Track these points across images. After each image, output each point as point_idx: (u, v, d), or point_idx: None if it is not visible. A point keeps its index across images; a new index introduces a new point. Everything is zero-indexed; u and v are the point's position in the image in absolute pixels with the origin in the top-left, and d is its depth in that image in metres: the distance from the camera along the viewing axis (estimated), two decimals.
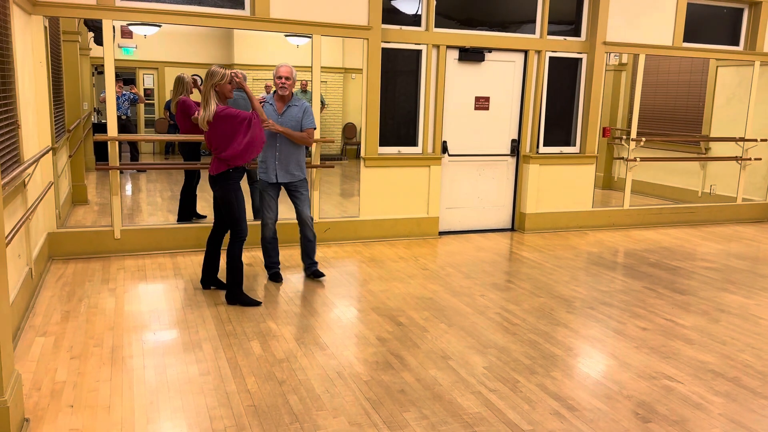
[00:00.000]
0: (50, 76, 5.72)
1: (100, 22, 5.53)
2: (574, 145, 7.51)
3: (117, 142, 5.73)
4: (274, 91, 5.07)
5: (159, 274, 5.34)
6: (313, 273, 5.34)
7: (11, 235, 3.42)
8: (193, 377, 3.47)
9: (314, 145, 6.45)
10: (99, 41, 10.12)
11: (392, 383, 3.47)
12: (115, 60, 5.62)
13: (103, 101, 10.96)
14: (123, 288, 4.95)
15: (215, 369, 3.57)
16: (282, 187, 5.22)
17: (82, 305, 4.52)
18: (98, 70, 13.11)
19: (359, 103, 6.57)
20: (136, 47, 13.39)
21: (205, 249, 4.96)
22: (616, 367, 3.79)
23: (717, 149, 8.69)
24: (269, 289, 5.02)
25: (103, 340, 3.92)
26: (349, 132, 14.38)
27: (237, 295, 4.62)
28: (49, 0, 5.26)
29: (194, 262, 5.69)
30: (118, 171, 5.76)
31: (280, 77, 4.95)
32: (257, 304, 4.64)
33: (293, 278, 5.37)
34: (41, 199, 4.76)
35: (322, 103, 13.35)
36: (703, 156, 8.90)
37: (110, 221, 5.87)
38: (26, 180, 4.44)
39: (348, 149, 14.08)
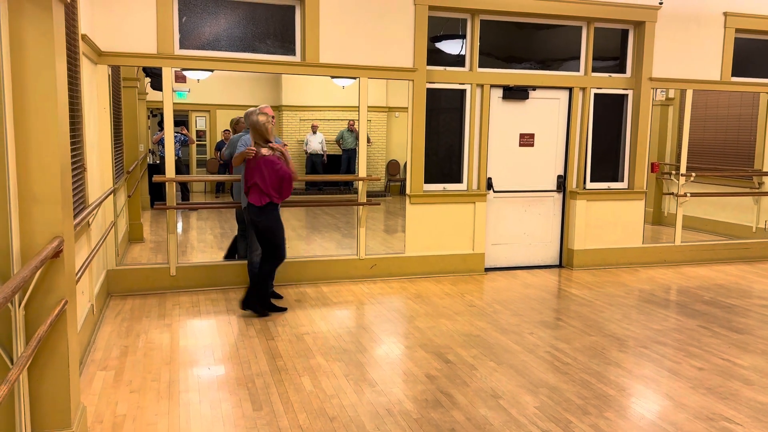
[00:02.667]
0: (112, 121, 6.06)
1: (157, 69, 5.86)
2: (622, 181, 7.44)
3: (174, 183, 5.99)
4: (247, 130, 5.60)
5: (212, 309, 5.49)
6: (272, 294, 5.79)
7: (80, 272, 3.61)
8: (246, 412, 3.54)
9: (362, 183, 6.60)
10: (155, 86, 10.68)
11: (442, 422, 3.47)
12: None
13: (156, 142, 11.49)
14: (178, 323, 5.11)
15: (268, 404, 3.64)
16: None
17: (139, 340, 4.68)
18: (153, 113, 13.75)
19: (402, 141, 6.73)
20: (189, 91, 14.00)
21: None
22: (672, 408, 3.70)
23: None
24: (318, 325, 5.10)
25: (160, 375, 4.04)
26: (393, 169, 14.58)
27: (253, 304, 5.31)
28: (114, 51, 5.61)
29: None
30: (175, 210, 6.00)
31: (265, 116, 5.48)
32: (266, 314, 5.31)
33: (340, 314, 5.45)
34: (105, 238, 5.00)
35: (368, 140, 13.63)
36: (757, 191, 8.66)
37: (166, 258, 6.09)
38: (90, 220, 4.68)
39: (391, 186, 14.26)
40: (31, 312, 2.65)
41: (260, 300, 5.33)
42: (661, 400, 3.82)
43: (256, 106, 5.50)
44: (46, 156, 2.62)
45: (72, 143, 4.15)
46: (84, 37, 4.66)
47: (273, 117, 5.39)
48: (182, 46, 5.88)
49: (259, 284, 5.30)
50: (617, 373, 4.22)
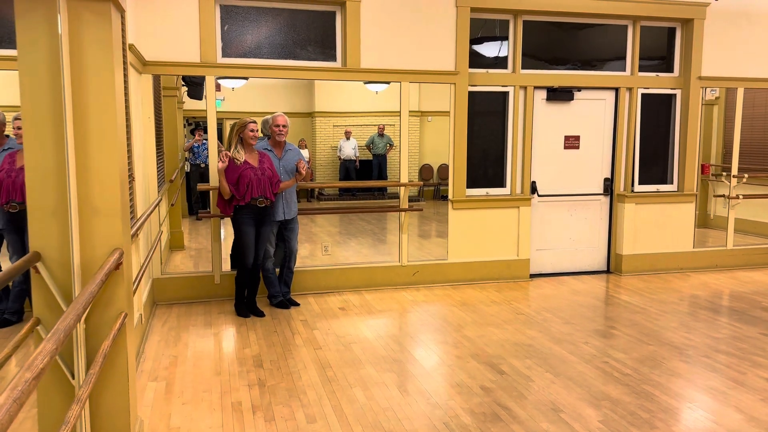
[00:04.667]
0: (156, 131, 6.08)
1: (195, 77, 5.86)
2: (671, 183, 7.22)
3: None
4: (268, 137, 5.63)
5: (258, 318, 5.44)
6: (289, 300, 5.80)
7: (136, 284, 3.59)
8: (301, 425, 3.47)
9: (403, 188, 6.52)
10: (192, 95, 10.75)
11: None
12: (202, 110, 5.95)
13: (187, 149, 11.54)
14: (224, 332, 5.08)
15: (321, 416, 3.57)
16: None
17: (188, 350, 4.66)
18: (188, 121, 13.87)
19: (435, 145, 6.64)
20: (223, 99, 14.10)
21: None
22: (743, 421, 3.52)
23: None
24: (364, 334, 5.01)
25: (211, 386, 4.00)
26: (426, 174, 14.46)
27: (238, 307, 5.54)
28: (158, 60, 5.62)
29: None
30: (219, 218, 5.99)
31: (277, 125, 5.50)
32: (247, 316, 5.44)
33: (386, 322, 5.36)
34: (155, 249, 5.00)
35: (390, 145, 13.55)
36: None
37: (206, 266, 6.08)
38: (138, 231, 4.68)
39: (425, 191, 14.15)
40: (92, 326, 2.62)
41: (237, 302, 5.53)
42: (731, 414, 3.63)
43: (272, 113, 5.66)
44: (106, 167, 2.59)
45: None
46: (131, 47, 4.67)
47: (284, 126, 5.50)
48: (224, 55, 5.88)
49: (235, 287, 5.53)
50: (681, 384, 4.04)
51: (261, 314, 5.48)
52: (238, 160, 5.18)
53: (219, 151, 5.57)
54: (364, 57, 6.11)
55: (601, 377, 4.15)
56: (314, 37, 6.14)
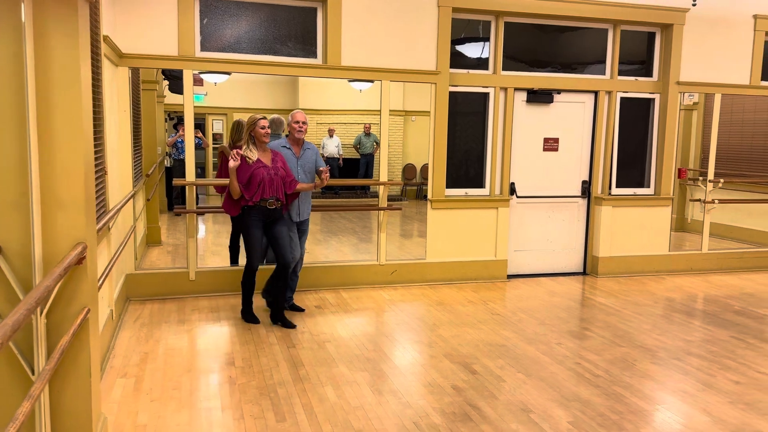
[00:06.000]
0: (132, 124, 6.01)
1: (176, 71, 5.79)
2: (648, 187, 7.28)
3: (194, 186, 5.92)
4: (286, 135, 5.36)
5: (232, 315, 5.40)
6: (292, 306, 5.57)
7: (102, 278, 3.53)
8: (270, 423, 3.44)
9: (383, 187, 6.50)
10: (173, 89, 10.64)
11: None
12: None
13: (170, 145, 11.44)
14: (198, 329, 5.02)
15: (291, 415, 3.54)
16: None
17: (159, 347, 4.60)
18: (170, 116, 13.73)
19: (419, 145, 6.64)
20: (206, 94, 13.98)
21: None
22: (710, 424, 3.55)
23: None
24: (339, 333, 4.99)
25: (180, 383, 3.96)
26: (409, 173, 14.46)
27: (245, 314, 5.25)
28: (135, 53, 5.55)
29: (264, 303, 5.74)
30: (195, 214, 5.93)
31: (297, 122, 5.19)
32: (257, 322, 5.17)
33: (361, 321, 5.34)
34: (126, 243, 4.93)
35: (377, 143, 13.53)
36: None
37: (183, 262, 6.02)
38: (111, 225, 4.62)
39: (408, 190, 14.14)
40: (53, 320, 2.57)
41: (244, 308, 5.26)
42: (699, 416, 3.67)
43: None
44: (71, 160, 2.54)
45: (95, 146, 4.09)
46: (105, 38, 4.60)
47: (303, 123, 5.19)
48: (203, 49, 5.82)
49: (242, 292, 5.28)
50: (651, 386, 4.07)
51: (258, 321, 5.20)
52: (249, 158, 4.87)
53: (227, 149, 5.34)
54: (345, 54, 6.08)
55: (573, 378, 4.17)
56: (295, 33, 6.10)
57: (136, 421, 3.44)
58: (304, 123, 5.21)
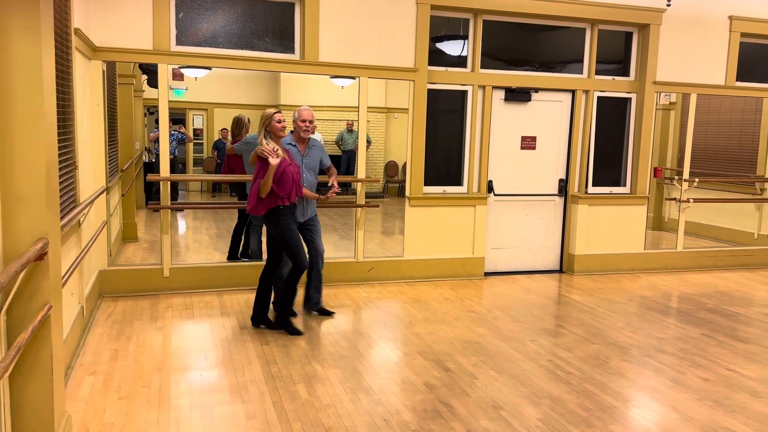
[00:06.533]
0: (106, 118, 5.93)
1: (154, 65, 5.73)
2: (625, 185, 7.34)
3: (169, 183, 5.86)
4: (291, 131, 5.16)
5: (206, 312, 5.36)
6: (321, 310, 5.35)
7: (68, 274, 3.48)
8: (239, 421, 3.42)
9: (360, 184, 6.49)
10: (152, 83, 10.53)
11: None
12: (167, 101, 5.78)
13: (153, 140, 11.33)
14: (171, 327, 4.97)
15: (261, 413, 3.52)
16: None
17: (130, 344, 4.55)
18: (149, 110, 13.59)
19: (401, 142, 6.61)
20: (186, 89, 13.85)
21: (256, 287, 5.05)
22: (679, 421, 3.59)
23: None
24: (315, 330, 4.97)
25: (150, 381, 3.91)
26: (391, 170, 14.44)
27: (284, 321, 4.89)
28: (109, 46, 5.48)
29: (240, 300, 5.71)
30: (169, 210, 5.86)
31: (304, 120, 5.02)
32: (300, 333, 4.83)
33: (337, 319, 5.31)
34: (95, 239, 4.86)
35: (369, 141, 13.52)
36: (759, 197, 8.57)
37: (159, 259, 5.96)
38: (81, 220, 4.55)
39: (390, 187, 14.13)
40: (14, 317, 2.52)
41: (282, 313, 4.94)
42: (667, 413, 3.70)
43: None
44: (31, 154, 2.49)
45: (63, 140, 4.03)
46: (77, 31, 4.53)
47: (310, 121, 5.02)
48: (179, 43, 5.75)
49: (288, 297, 4.96)
50: (621, 383, 4.11)
51: (299, 332, 4.88)
52: (280, 156, 4.60)
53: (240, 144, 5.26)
54: (323, 50, 6.05)
55: (545, 375, 4.19)
56: (272, 28, 6.05)
57: (103, 419, 3.40)
58: (311, 122, 5.01)
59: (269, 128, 4.70)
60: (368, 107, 6.36)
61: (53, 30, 2.70)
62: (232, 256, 6.71)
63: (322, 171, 5.33)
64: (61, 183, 3.83)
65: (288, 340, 4.72)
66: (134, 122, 9.05)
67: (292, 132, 5.20)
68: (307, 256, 5.11)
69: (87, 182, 4.99)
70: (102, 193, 5.14)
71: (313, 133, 5.10)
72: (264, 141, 4.65)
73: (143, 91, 11.33)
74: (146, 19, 5.55)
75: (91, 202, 4.60)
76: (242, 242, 6.74)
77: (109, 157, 6.52)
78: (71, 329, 4.12)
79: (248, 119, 6.89)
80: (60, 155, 3.76)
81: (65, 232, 3.87)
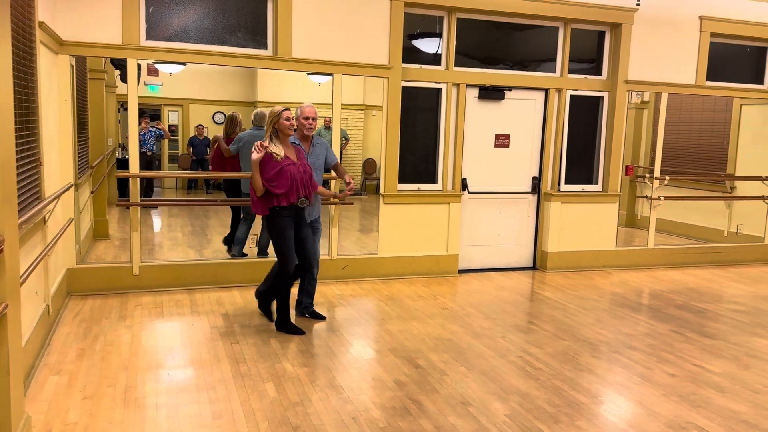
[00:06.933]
0: (75, 114, 5.83)
1: (126, 60, 5.64)
2: (597, 183, 7.41)
3: (138, 179, 5.77)
4: (294, 130, 5.02)
5: (176, 311, 5.30)
6: (313, 314, 5.24)
7: (27, 272, 3.41)
8: (205, 421, 3.38)
9: (334, 181, 6.46)
10: (125, 79, 10.38)
11: (409, 430, 3.35)
12: (141, 97, 5.72)
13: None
14: (140, 325, 4.91)
15: (228, 412, 3.49)
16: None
17: (97, 343, 4.48)
18: (124, 106, 13.39)
19: (379, 140, 6.57)
20: (161, 84, 13.67)
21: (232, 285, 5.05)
22: (644, 416, 3.63)
23: (743, 188, 8.52)
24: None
25: (116, 380, 3.86)
26: (369, 168, 14.43)
27: (283, 324, 4.86)
28: (76, 41, 5.38)
29: (211, 298, 5.66)
30: (139, 208, 5.78)
31: (307, 118, 4.87)
32: (302, 332, 4.82)
33: (306, 316, 5.29)
34: (60, 236, 4.78)
35: (346, 139, 13.48)
36: (729, 195, 8.72)
37: (129, 257, 5.88)
38: (46, 217, 4.47)
39: (368, 185, 14.11)
40: None
41: (280, 317, 4.86)
42: (633, 408, 3.75)
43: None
44: None
45: (27, 136, 3.95)
46: (42, 24, 4.44)
47: (313, 119, 4.87)
48: (149, 37, 5.67)
49: (277, 301, 4.90)
50: (589, 379, 4.15)
51: (301, 332, 4.83)
52: (277, 155, 4.46)
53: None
54: (296, 46, 6.01)
55: (514, 371, 4.22)
56: (245, 23, 6.00)
57: (67, 419, 3.34)
58: (314, 119, 4.85)
59: (277, 126, 4.53)
60: (346, 104, 6.34)
61: (10, 22, 2.64)
62: (229, 248, 7.00)
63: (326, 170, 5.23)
64: (23, 179, 3.76)
65: (258, 338, 4.68)
66: (107, 118, 8.91)
67: (295, 130, 5.04)
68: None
69: (53, 178, 4.90)
70: (68, 189, 5.05)
71: (315, 130, 4.94)
72: (269, 140, 4.52)
73: (116, 86, 11.16)
74: (115, 13, 5.46)
75: (57, 198, 4.52)
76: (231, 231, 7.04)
77: (79, 153, 6.41)
78: (35, 328, 4.05)
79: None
80: (22, 150, 3.69)
81: (28, 228, 3.80)
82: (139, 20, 5.56)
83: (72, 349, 4.35)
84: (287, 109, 4.53)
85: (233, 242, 6.82)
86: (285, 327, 4.83)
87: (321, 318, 5.21)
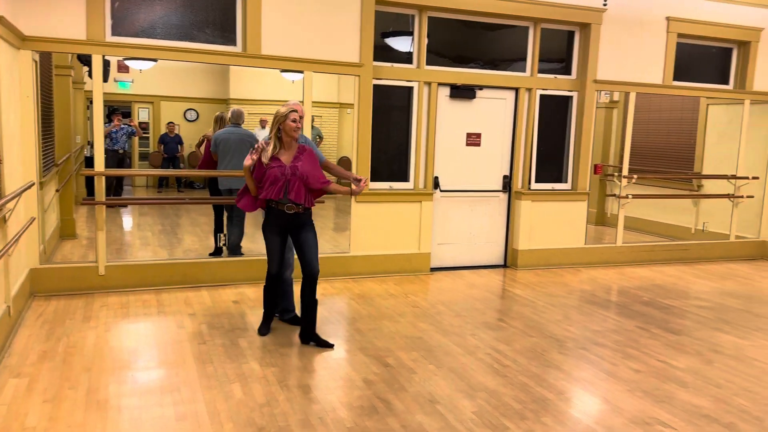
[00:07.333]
0: (39, 111, 5.70)
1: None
2: (566, 182, 7.48)
3: (104, 178, 5.67)
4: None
5: (142, 311, 5.22)
6: (292, 319, 5.08)
7: None
8: (169, 423, 3.33)
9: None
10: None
11: (376, 429, 3.34)
12: (112, 94, 5.63)
13: (107, 134, 10.96)
14: (105, 326, 4.82)
15: (193, 414, 3.44)
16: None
17: (60, 345, 4.39)
18: (93, 103, 13.14)
19: (353, 138, 6.55)
20: (132, 81, 13.45)
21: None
22: (609, 412, 3.68)
23: (709, 186, 8.68)
24: (255, 328, 4.89)
25: (78, 382, 3.78)
26: (344, 166, 14.35)
27: (313, 335, 4.67)
28: (39, 36, 5.26)
29: (179, 299, 5.58)
30: (105, 206, 5.68)
31: (294, 120, 4.54)
32: (265, 333, 4.77)
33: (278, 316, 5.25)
34: (20, 235, 4.67)
35: (320, 137, 13.42)
36: (696, 193, 8.89)
37: (95, 257, 5.77)
38: (7, 215, 4.37)
39: (342, 183, 14.08)
40: None
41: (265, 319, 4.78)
42: (598, 404, 3.79)
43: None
44: None
45: None
46: (1, 19, 4.33)
47: (300, 118, 4.55)
48: (114, 33, 5.57)
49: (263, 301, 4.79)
50: (556, 375, 4.18)
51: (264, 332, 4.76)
52: (264, 160, 4.40)
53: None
54: (266, 43, 5.95)
55: (482, 369, 4.24)
56: (213, 19, 5.93)
57: (25, 423, 3.27)
58: (301, 118, 4.58)
59: (282, 126, 4.40)
60: (321, 102, 6.31)
61: None
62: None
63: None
64: None
65: (226, 339, 4.64)
66: (74, 115, 8.73)
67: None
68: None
69: (14, 176, 4.79)
70: (29, 187, 4.94)
71: (301, 130, 4.66)
72: (272, 141, 4.44)
73: (84, 83, 10.95)
74: (79, 8, 5.36)
75: (17, 196, 4.41)
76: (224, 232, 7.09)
77: (44, 151, 6.28)
78: None
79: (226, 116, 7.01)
80: None
81: None
82: (104, 15, 5.46)
83: (33, 351, 4.25)
84: (294, 110, 4.43)
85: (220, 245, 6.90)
86: (260, 329, 4.78)
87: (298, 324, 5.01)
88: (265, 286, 4.76)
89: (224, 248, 6.76)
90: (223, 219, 6.92)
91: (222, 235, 6.82)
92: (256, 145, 4.47)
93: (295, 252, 4.83)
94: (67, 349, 4.31)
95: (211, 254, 6.77)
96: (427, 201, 6.81)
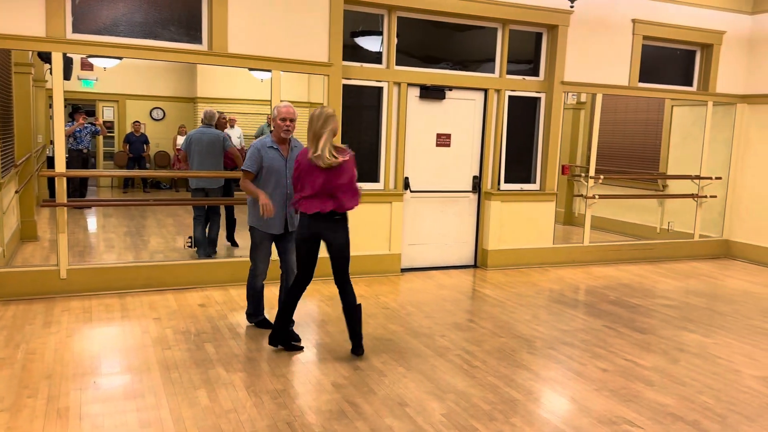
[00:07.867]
0: None
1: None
2: (535, 182, 7.54)
3: (65, 179, 5.52)
4: (270, 131, 4.80)
5: (105, 316, 5.09)
6: (262, 322, 5.02)
7: None
8: (132, 430, 3.25)
9: None
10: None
11: None
12: (76, 92, 5.48)
13: (68, 135, 10.68)
14: (66, 332, 4.69)
15: (157, 421, 3.36)
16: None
17: (19, 351, 4.25)
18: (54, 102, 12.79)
19: None
20: (96, 79, 13.15)
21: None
22: (577, 411, 3.70)
23: (674, 186, 8.85)
24: (222, 332, 4.82)
25: (38, 390, 3.67)
26: None
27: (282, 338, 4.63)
28: None
29: (143, 302, 5.46)
30: (66, 208, 5.53)
31: (284, 119, 4.54)
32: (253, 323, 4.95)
33: (242, 319, 5.17)
34: None
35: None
36: (661, 193, 9.05)
37: (56, 260, 5.61)
38: None
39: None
40: None
41: (279, 329, 4.52)
42: (566, 404, 3.82)
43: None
44: None
45: None
46: None
47: (291, 120, 4.57)
48: (75, 30, 5.42)
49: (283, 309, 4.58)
50: (525, 376, 4.20)
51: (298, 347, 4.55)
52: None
53: None
54: (233, 41, 5.86)
55: (452, 370, 4.23)
56: (178, 16, 5.81)
57: None
58: (292, 121, 4.54)
59: (272, 125, 4.46)
60: (291, 102, 6.21)
61: None
62: (230, 238, 7.47)
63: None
64: None
65: (192, 344, 4.55)
66: (35, 114, 8.50)
67: (271, 131, 4.78)
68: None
69: None
70: None
71: (293, 132, 4.62)
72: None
73: (46, 81, 10.66)
74: (39, 4, 5.20)
75: None
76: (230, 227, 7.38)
77: (2, 151, 6.09)
78: None
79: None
80: None
81: None
82: (65, 12, 5.31)
83: None
84: (290, 113, 4.50)
85: (232, 241, 7.25)
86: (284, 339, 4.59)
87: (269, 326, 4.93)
88: (248, 284, 4.89)
89: (199, 245, 6.78)
90: (206, 213, 6.98)
91: (189, 237, 6.76)
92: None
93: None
94: (27, 356, 4.17)
95: (199, 251, 6.83)
96: (398, 201, 6.80)
